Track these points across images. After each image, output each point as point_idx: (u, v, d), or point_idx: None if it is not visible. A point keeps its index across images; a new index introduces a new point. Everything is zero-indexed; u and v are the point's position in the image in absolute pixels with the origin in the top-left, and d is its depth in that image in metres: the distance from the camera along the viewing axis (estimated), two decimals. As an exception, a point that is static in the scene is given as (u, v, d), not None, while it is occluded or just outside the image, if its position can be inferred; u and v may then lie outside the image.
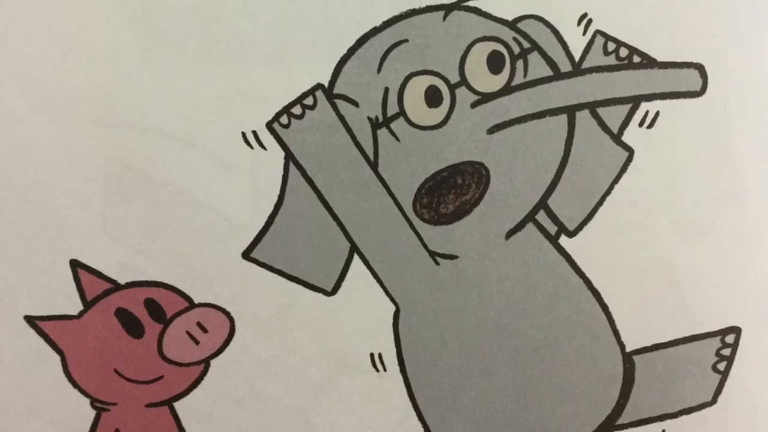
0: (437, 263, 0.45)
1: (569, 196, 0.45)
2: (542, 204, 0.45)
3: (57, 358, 0.45)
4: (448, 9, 0.44)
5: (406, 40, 0.44)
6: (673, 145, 0.45)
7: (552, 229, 0.45)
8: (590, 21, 0.44)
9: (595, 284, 0.46)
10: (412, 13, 0.43)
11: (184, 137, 0.44)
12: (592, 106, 0.45)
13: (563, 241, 0.45)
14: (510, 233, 0.45)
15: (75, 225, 0.44)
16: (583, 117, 0.45)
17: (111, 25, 0.43)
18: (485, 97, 0.44)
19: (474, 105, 0.44)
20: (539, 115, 0.44)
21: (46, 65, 0.43)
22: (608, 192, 0.45)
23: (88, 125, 0.43)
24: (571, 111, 0.45)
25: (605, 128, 0.45)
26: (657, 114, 0.45)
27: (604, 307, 0.46)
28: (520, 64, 0.44)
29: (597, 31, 0.44)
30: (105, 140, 0.43)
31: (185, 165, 0.44)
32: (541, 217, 0.45)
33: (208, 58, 0.43)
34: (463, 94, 0.44)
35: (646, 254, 0.46)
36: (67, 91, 0.43)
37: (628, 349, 0.46)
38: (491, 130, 0.44)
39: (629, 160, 0.45)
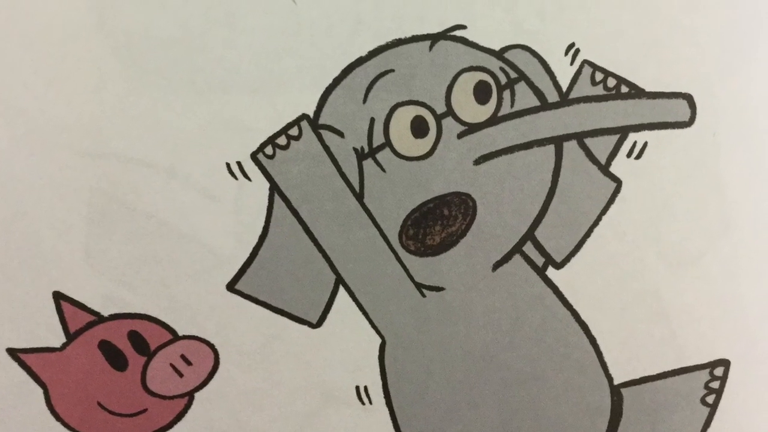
0: (423, 295, 0.45)
1: (556, 228, 0.45)
2: (529, 235, 0.45)
3: (40, 390, 0.45)
4: (434, 39, 0.43)
5: (392, 70, 0.43)
6: (661, 176, 0.45)
7: (539, 260, 0.45)
8: (578, 51, 0.44)
9: (583, 316, 0.45)
10: (398, 43, 0.43)
11: (168, 168, 0.43)
12: (580, 137, 0.44)
13: (550, 272, 0.45)
14: (497, 265, 0.45)
15: (58, 256, 0.44)
16: (571, 148, 0.44)
17: (94, 55, 0.42)
18: (472, 128, 0.44)
19: (460, 135, 0.44)
20: (526, 145, 0.44)
21: (29, 95, 0.43)
22: (596, 223, 0.45)
23: (72, 156, 0.43)
24: (558, 141, 0.44)
25: (593, 159, 0.44)
26: (645, 144, 0.44)
27: (592, 340, 0.45)
28: (507, 94, 0.44)
29: (584, 61, 0.44)
30: (88, 171, 0.43)
31: (169, 196, 0.43)
32: (528, 248, 0.45)
33: (192, 88, 0.43)
34: (449, 125, 0.44)
35: (634, 286, 0.45)
36: (50, 122, 0.43)
37: (616, 382, 0.46)
38: (478, 161, 0.44)
39: (617, 191, 0.45)
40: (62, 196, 0.43)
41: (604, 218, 0.45)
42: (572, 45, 0.44)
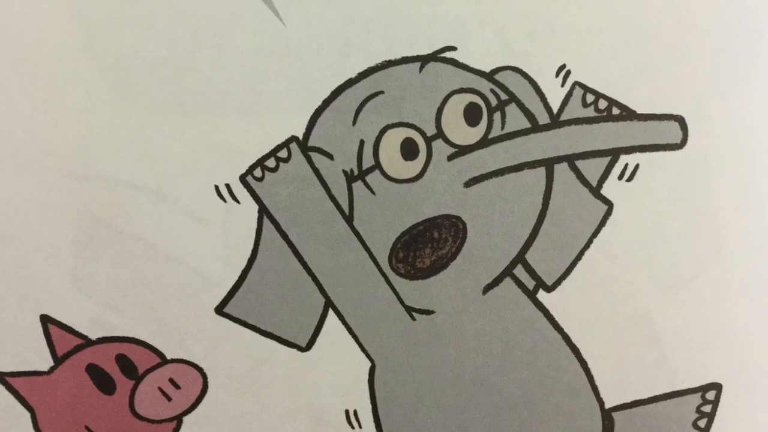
0: (413, 318, 0.44)
1: (547, 251, 0.44)
2: (520, 258, 0.44)
3: (27, 414, 0.45)
4: (424, 60, 0.43)
5: (382, 92, 0.43)
6: (652, 199, 0.44)
7: (530, 283, 0.45)
8: (569, 72, 0.43)
9: (574, 340, 0.45)
10: (388, 64, 0.43)
11: (157, 190, 0.43)
12: (571, 159, 0.44)
13: (541, 295, 0.45)
14: (487, 288, 0.44)
15: (45, 279, 0.44)
16: (562, 170, 0.44)
17: (82, 77, 0.42)
18: (462, 150, 0.43)
19: (451, 158, 0.43)
20: (517, 168, 0.44)
21: (17, 117, 0.42)
22: (587, 246, 0.44)
23: (59, 178, 0.43)
24: (549, 164, 0.44)
25: (584, 181, 0.44)
26: (636, 167, 0.44)
27: (583, 363, 0.45)
28: (497, 116, 0.43)
29: (576, 83, 0.43)
30: (76, 193, 0.43)
31: (157, 219, 0.43)
32: (519, 271, 0.45)
33: (180, 110, 0.42)
34: (439, 147, 0.43)
35: (625, 309, 0.45)
36: (38, 144, 0.43)
37: (607, 406, 0.46)
38: (468, 184, 0.44)
39: (608, 213, 0.44)
40: (50, 219, 0.43)
41: (595, 241, 0.44)
42: (563, 66, 0.43)
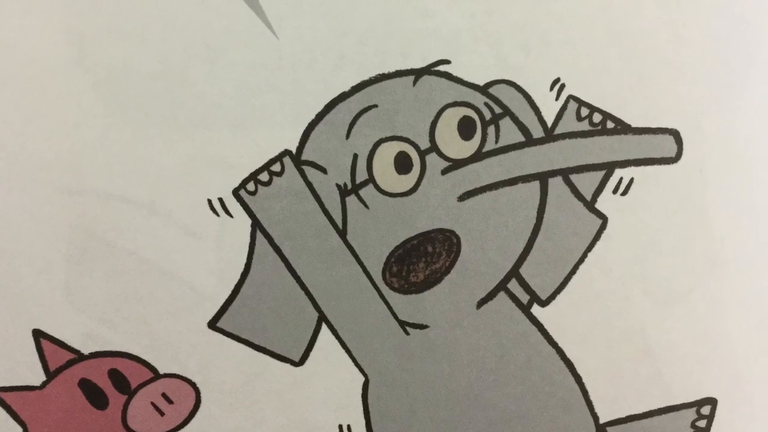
0: (407, 333, 0.44)
1: (542, 264, 0.44)
2: (514, 272, 0.44)
3: (19, 429, 0.45)
4: (417, 74, 0.43)
5: (376, 106, 0.43)
6: (647, 212, 0.44)
7: (524, 297, 0.44)
8: (563, 86, 0.43)
9: (568, 354, 0.45)
10: (382, 78, 0.43)
11: (149, 204, 0.43)
12: (565, 173, 0.44)
13: (536, 310, 0.45)
14: (481, 302, 0.44)
15: (38, 294, 0.43)
16: (556, 184, 0.44)
17: (74, 90, 0.42)
18: (456, 164, 0.43)
19: (444, 171, 0.43)
20: (511, 181, 0.43)
21: (9, 131, 0.42)
22: (581, 260, 0.44)
23: (51, 193, 0.43)
24: (543, 178, 0.44)
25: (578, 195, 0.44)
26: (631, 181, 0.44)
27: (578, 378, 0.45)
28: (491, 129, 0.43)
29: (570, 96, 0.43)
30: (68, 208, 0.43)
31: (150, 233, 0.43)
32: (513, 285, 0.44)
33: (173, 124, 0.42)
34: (433, 161, 0.43)
35: (619, 324, 0.45)
36: (30, 158, 0.42)
37: (602, 421, 0.46)
38: (462, 197, 0.43)
39: (603, 227, 0.44)
40: (42, 233, 0.43)
41: (590, 255, 0.44)
42: (557, 80, 0.43)
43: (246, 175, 0.43)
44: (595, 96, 0.43)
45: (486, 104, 0.43)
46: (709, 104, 0.44)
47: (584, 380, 0.45)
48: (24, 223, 0.43)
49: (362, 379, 0.45)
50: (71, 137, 0.42)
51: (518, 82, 0.43)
